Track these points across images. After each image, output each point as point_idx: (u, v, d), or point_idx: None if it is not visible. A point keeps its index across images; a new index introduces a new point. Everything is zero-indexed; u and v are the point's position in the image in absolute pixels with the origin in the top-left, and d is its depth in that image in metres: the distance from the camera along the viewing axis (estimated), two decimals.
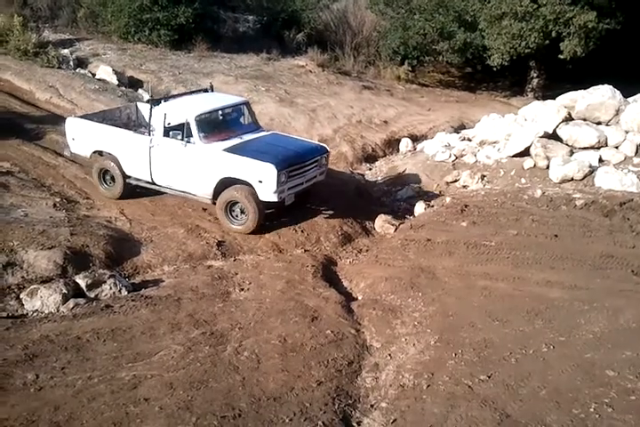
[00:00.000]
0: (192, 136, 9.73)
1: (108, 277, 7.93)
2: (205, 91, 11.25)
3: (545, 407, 5.82)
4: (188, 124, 9.73)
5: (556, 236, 9.38)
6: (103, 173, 10.63)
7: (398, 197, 12.01)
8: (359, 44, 20.60)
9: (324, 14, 22.13)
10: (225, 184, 9.67)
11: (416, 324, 7.50)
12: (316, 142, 11.61)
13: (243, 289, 8.18)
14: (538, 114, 12.92)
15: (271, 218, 9.99)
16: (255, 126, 10.81)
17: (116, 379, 6.14)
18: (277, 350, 6.78)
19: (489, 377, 6.31)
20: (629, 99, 13.25)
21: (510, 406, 5.88)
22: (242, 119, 10.82)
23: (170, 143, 9.86)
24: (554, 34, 17.44)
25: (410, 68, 20.11)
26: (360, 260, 9.52)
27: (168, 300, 7.76)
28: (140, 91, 15.85)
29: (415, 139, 15.00)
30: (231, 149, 9.68)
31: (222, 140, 9.91)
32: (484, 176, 12.03)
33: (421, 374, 6.48)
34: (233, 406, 5.85)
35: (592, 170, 11.37)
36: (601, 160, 11.77)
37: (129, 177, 10.49)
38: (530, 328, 7.14)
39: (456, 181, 12.21)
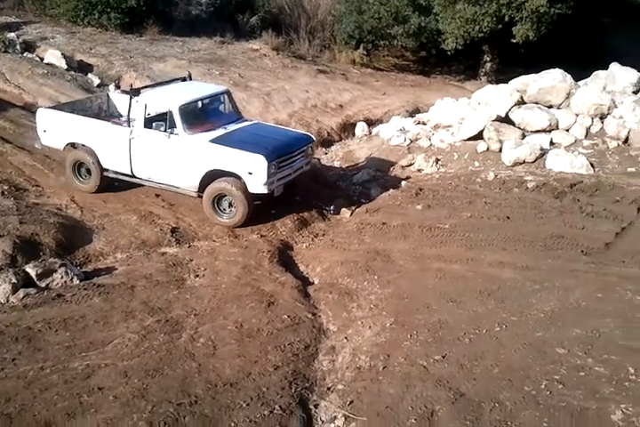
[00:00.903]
0: (175, 127, 9.40)
1: (59, 266, 7.75)
2: (183, 80, 10.85)
3: (498, 385, 5.94)
4: (170, 114, 9.41)
5: (509, 218, 9.53)
6: (78, 166, 10.24)
7: (354, 181, 12.03)
8: (314, 27, 20.46)
9: None
10: (212, 176, 9.40)
11: (372, 306, 7.55)
12: (302, 131, 11.42)
13: (198, 276, 8.11)
14: (491, 98, 13.06)
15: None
16: (238, 116, 10.58)
17: (68, 369, 6.06)
18: (234, 336, 6.77)
19: (443, 357, 6.41)
20: (580, 82, 13.50)
21: (464, 384, 5.98)
22: (224, 109, 10.55)
23: (151, 135, 9.53)
24: (506, 18, 17.63)
25: (365, 52, 20.07)
26: (316, 244, 9.52)
27: (121, 288, 7.65)
28: (90, 75, 15.43)
29: (370, 123, 15.02)
30: (218, 140, 9.42)
31: (207, 130, 9.64)
32: (439, 160, 12.13)
33: (377, 355, 6.54)
34: (189, 392, 5.83)
35: (543, 153, 11.57)
36: (552, 143, 11.98)
37: (106, 170, 10.09)
38: (483, 309, 7.26)
39: (411, 164, 12.29)
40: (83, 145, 10.21)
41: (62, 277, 7.66)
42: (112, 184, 10.32)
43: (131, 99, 9.82)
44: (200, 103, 10.14)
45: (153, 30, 18.10)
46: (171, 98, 9.74)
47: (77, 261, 8.35)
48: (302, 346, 6.73)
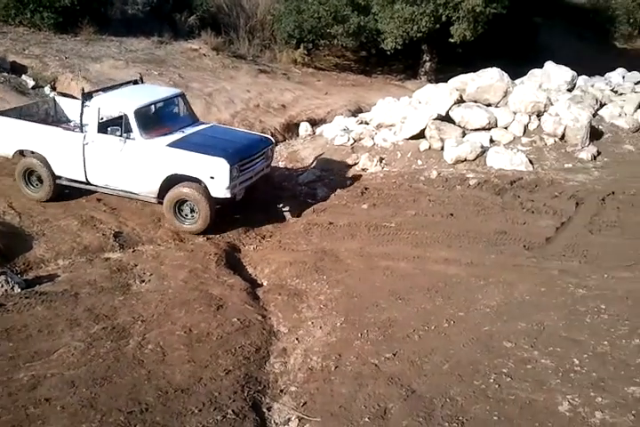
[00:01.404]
0: (131, 131, 9.13)
1: None
2: (135, 82, 10.57)
3: (448, 381, 6.05)
4: (126, 118, 9.13)
5: (452, 215, 9.69)
6: (28, 174, 9.82)
7: (300, 181, 12.00)
8: (254, 27, 20.32)
9: None
10: (171, 182, 9.17)
11: (322, 307, 7.57)
12: (260, 134, 11.22)
13: (144, 281, 7.97)
14: (431, 97, 13.24)
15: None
16: (193, 119, 10.35)
17: (13, 380, 5.90)
18: (183, 341, 6.68)
19: (394, 355, 6.48)
20: (516, 81, 13.85)
21: (415, 381, 6.06)
22: (179, 112, 10.28)
23: (106, 140, 9.23)
24: (444, 18, 17.92)
25: (305, 52, 20.06)
26: (264, 246, 9.47)
27: (65, 295, 7.47)
28: (24, 77, 14.90)
29: (314, 123, 15.02)
30: (176, 144, 9.19)
31: (164, 134, 9.40)
32: (382, 159, 12.23)
33: (329, 355, 6.56)
34: (139, 400, 5.74)
35: (484, 150, 11.80)
36: (492, 140, 12.22)
37: (59, 177, 9.73)
38: (431, 305, 7.38)
39: (356, 164, 12.34)
40: (32, 152, 9.80)
41: (2, 285, 7.43)
42: (62, 191, 9.98)
43: (83, 103, 9.47)
44: (155, 106, 9.86)
45: (88, 30, 17.60)
46: (125, 101, 9.45)
47: (18, 269, 8.11)
48: (253, 349, 6.69)
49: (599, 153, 12.02)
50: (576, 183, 10.74)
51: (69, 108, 10.95)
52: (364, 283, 8.02)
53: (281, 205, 10.40)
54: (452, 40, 18.17)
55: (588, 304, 7.19)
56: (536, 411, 5.58)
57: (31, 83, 14.61)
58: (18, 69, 15.36)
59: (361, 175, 11.76)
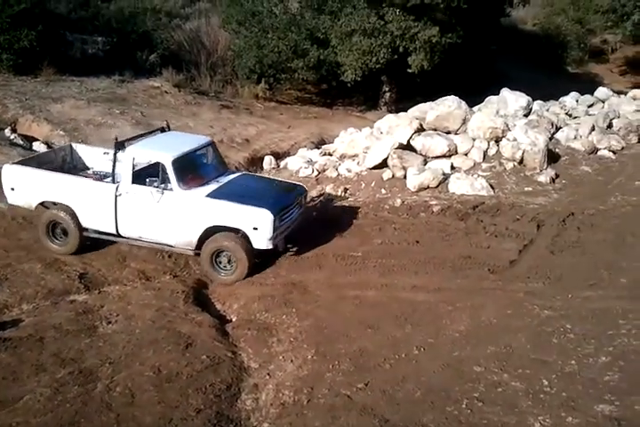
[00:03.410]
0: (169, 182, 8.91)
1: None
2: (162, 130, 10.33)
3: (421, 409, 6.06)
4: (163, 168, 8.89)
5: (418, 242, 9.79)
6: (52, 226, 9.51)
7: None
8: (215, 63, 20.53)
9: (177, 34, 21.83)
10: (209, 232, 9.00)
11: (292, 340, 7.53)
12: (294, 182, 11.02)
13: (110, 322, 7.83)
14: (392, 126, 13.46)
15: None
16: (225, 168, 10.23)
17: None
18: (152, 382, 6.58)
19: (366, 385, 6.48)
20: (474, 108, 14.19)
21: (388, 411, 6.07)
22: (212, 160, 10.07)
23: (141, 191, 8.98)
24: (401, 49, 18.37)
25: (267, 86, 20.32)
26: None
27: (29, 340, 7.31)
28: None
29: (278, 156, 15.13)
30: (216, 195, 9.01)
31: (200, 185, 9.20)
32: (347, 189, 12.34)
33: (301, 389, 6.52)
34: None
35: (445, 177, 12.00)
36: (453, 167, 12.44)
37: (86, 229, 9.46)
38: (401, 333, 7.41)
39: (321, 195, 12.44)
40: (54, 203, 9.51)
41: None
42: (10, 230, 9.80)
43: (116, 153, 9.21)
44: (190, 156, 9.54)
45: (48, 71, 17.58)
46: (162, 151, 9.17)
47: None
48: (224, 386, 6.61)
49: (557, 175, 12.31)
50: (536, 206, 10.97)
51: (86, 155, 10.75)
52: (334, 313, 8.02)
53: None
54: (411, 70, 18.60)
55: (554, 325, 7.30)
56: None
57: None
58: None
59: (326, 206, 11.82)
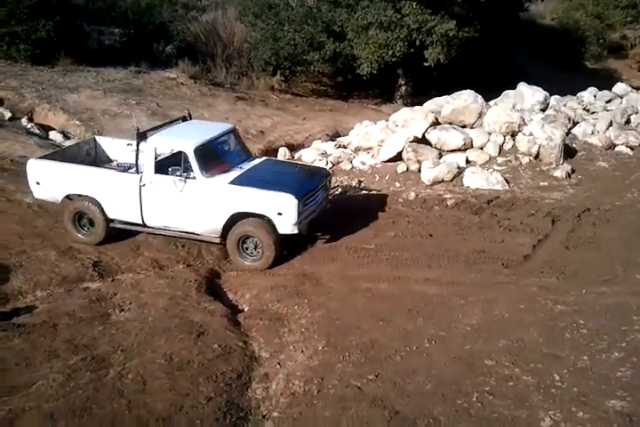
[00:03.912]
0: (191, 170, 8.92)
1: None
2: (184, 119, 10.29)
3: (431, 401, 6.04)
4: (185, 157, 8.90)
5: (431, 235, 9.76)
6: (78, 217, 9.56)
7: None
8: (231, 55, 20.54)
9: (193, 26, 21.88)
10: (234, 219, 9.00)
11: (303, 330, 7.53)
12: (317, 166, 10.94)
13: (123, 310, 7.88)
14: (407, 120, 13.42)
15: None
16: (247, 154, 10.17)
17: None
18: (163, 370, 6.60)
19: (377, 376, 6.46)
20: (490, 102, 14.09)
21: (399, 402, 6.05)
22: (234, 147, 10.04)
23: (164, 180, 9.00)
24: (418, 42, 18.27)
25: (283, 79, 20.30)
26: (244, 271, 9.43)
27: (43, 327, 7.36)
28: (0, 109, 14.93)
29: (292, 148, 15.13)
30: (239, 181, 8.99)
31: (223, 172, 9.19)
32: (361, 182, 12.32)
33: (311, 379, 6.52)
34: None
35: (460, 171, 11.94)
36: (468, 161, 12.39)
37: (112, 220, 9.49)
38: (412, 326, 7.38)
39: (335, 187, 12.41)
40: (79, 195, 9.54)
41: None
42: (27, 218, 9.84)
43: (138, 143, 9.19)
44: (212, 143, 9.52)
45: (65, 61, 17.70)
46: (183, 140, 9.19)
47: None
48: (235, 375, 6.62)
49: (573, 171, 12.21)
50: (552, 201, 10.89)
51: (110, 147, 10.78)
52: (346, 305, 8.01)
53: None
54: (427, 64, 18.49)
55: (567, 320, 7.25)
56: None
57: (8, 114, 14.64)
58: None
59: (340, 198, 11.80)
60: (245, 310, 8.38)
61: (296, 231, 8.97)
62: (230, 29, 21.35)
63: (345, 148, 13.96)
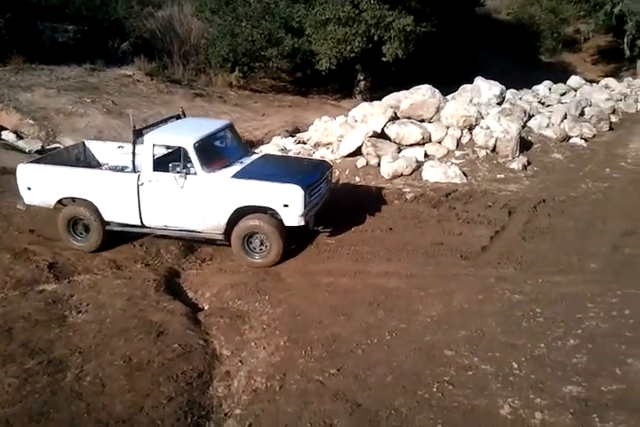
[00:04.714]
0: (192, 166, 8.73)
1: None
2: (178, 117, 10.12)
3: (393, 393, 6.07)
4: (185, 153, 8.69)
5: (391, 229, 9.82)
6: (73, 223, 9.25)
7: None
8: (188, 51, 20.39)
9: (149, 22, 21.68)
10: (238, 215, 8.81)
11: (265, 327, 7.50)
12: (317, 158, 10.85)
13: (80, 312, 7.72)
14: (366, 115, 13.46)
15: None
16: (246, 149, 10.06)
17: None
18: (123, 371, 6.50)
19: (338, 370, 6.47)
20: (448, 97, 14.25)
21: (361, 395, 6.06)
22: (233, 142, 9.91)
23: (164, 178, 8.77)
24: (376, 38, 18.39)
25: (241, 75, 20.23)
26: (204, 269, 9.34)
27: None
28: None
29: (252, 144, 15.08)
30: (241, 175, 8.81)
31: (224, 166, 8.99)
32: None
33: (273, 375, 6.49)
34: None
35: (419, 165, 12.03)
36: (426, 155, 12.49)
37: (109, 223, 9.21)
38: (373, 319, 7.41)
39: None
40: (73, 199, 9.24)
41: None
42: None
43: (134, 141, 8.99)
44: (211, 139, 9.35)
45: (17, 59, 17.32)
46: (181, 136, 8.99)
47: None
48: (195, 374, 6.56)
49: (529, 163, 12.42)
50: (508, 193, 11.05)
51: (99, 151, 10.53)
52: (307, 301, 8.00)
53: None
54: (385, 59, 18.61)
55: (524, 309, 7.37)
56: (479, 416, 5.66)
57: None
58: None
59: None
60: (206, 308, 8.29)
61: (303, 223, 8.83)
62: (187, 26, 21.20)
63: (305, 143, 13.95)
